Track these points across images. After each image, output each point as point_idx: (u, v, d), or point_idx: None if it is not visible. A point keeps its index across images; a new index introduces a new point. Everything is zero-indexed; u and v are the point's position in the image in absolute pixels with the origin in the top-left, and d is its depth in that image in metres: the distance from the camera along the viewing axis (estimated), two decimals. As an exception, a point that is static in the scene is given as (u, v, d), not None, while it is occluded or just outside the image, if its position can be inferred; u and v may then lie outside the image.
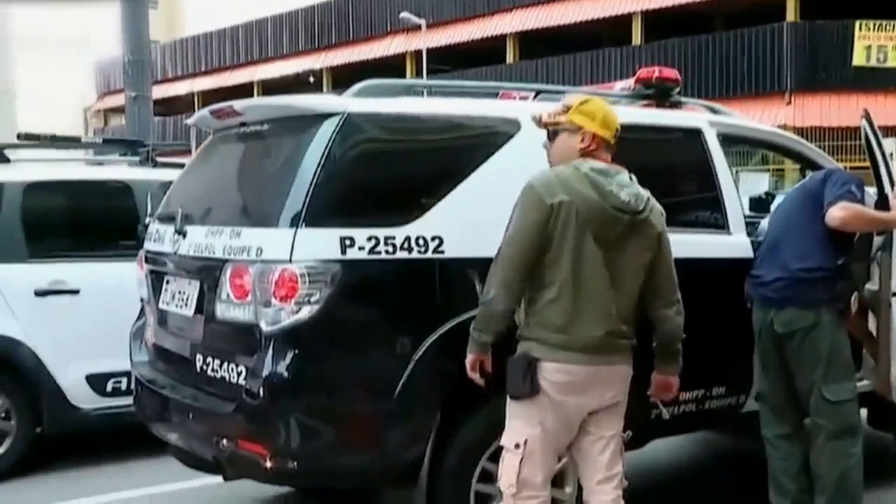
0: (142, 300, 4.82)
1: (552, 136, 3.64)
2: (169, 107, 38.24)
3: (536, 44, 30.24)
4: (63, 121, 39.78)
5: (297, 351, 3.64)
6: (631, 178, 3.50)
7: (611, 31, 29.16)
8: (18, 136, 7.32)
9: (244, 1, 40.27)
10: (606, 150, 3.55)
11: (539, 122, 3.68)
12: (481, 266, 3.87)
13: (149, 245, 4.65)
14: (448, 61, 31.53)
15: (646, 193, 3.50)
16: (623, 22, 28.21)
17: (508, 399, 3.52)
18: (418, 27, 31.07)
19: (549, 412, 3.45)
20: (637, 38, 28.17)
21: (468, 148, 4.11)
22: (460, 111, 4.18)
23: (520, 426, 3.49)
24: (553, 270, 3.42)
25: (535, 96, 4.65)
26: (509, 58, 31.61)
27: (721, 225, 4.72)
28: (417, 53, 31.37)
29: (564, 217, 3.37)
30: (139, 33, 11.83)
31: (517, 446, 3.47)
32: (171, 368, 4.41)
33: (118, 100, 30.15)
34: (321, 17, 36.34)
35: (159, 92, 33.04)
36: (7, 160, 6.54)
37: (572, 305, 3.41)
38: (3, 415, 5.84)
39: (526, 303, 3.51)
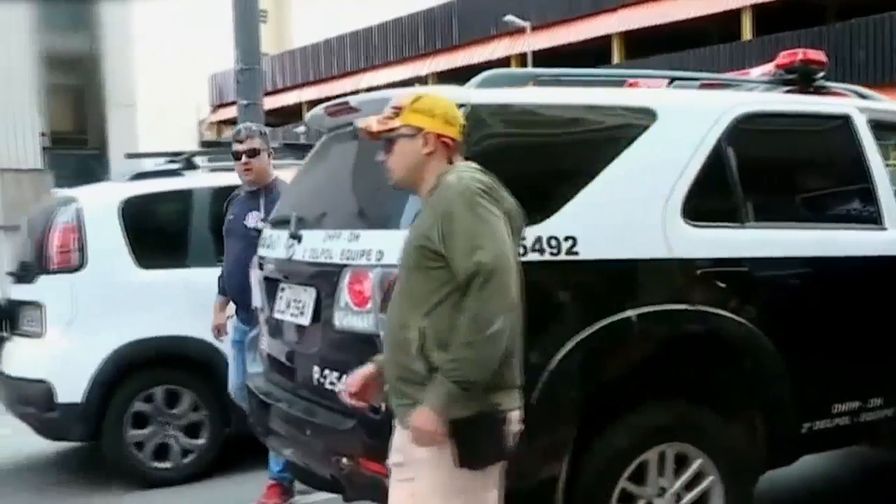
0: (256, 308, 4.62)
1: (387, 146, 3.00)
2: (278, 117, 38.76)
3: (642, 43, 29.53)
4: (179, 133, 40.85)
5: (422, 363, 3.36)
6: None
7: (718, 26, 28.26)
8: (202, 144, 7.34)
9: (350, 11, 40.60)
10: (459, 150, 3.01)
11: (371, 134, 3.02)
12: (620, 269, 3.57)
13: (262, 251, 4.45)
14: (553, 63, 31.08)
15: None
16: (731, 17, 27.30)
17: (454, 470, 2.74)
18: (523, 30, 30.72)
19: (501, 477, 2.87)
20: (746, 32, 27.24)
21: (601, 141, 3.79)
22: (592, 101, 3.85)
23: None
24: None
25: (670, 83, 4.28)
26: (615, 58, 30.97)
27: (875, 219, 4.27)
28: (522, 56, 31.02)
29: (509, 229, 2.86)
30: (250, 42, 11.87)
31: None
32: (286, 380, 4.19)
33: (231, 112, 30.75)
34: (425, 24, 36.31)
35: (269, 103, 33.42)
36: (195, 167, 6.64)
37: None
38: (197, 417, 5.99)
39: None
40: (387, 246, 3.43)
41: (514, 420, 2.80)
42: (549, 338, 3.48)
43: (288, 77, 41.15)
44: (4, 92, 17.58)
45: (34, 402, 5.89)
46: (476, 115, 3.54)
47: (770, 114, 4.16)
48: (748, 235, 3.89)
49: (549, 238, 3.49)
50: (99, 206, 6.11)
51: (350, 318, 3.56)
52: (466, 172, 2.84)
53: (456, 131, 2.96)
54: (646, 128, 3.79)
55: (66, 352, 5.85)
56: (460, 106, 3.52)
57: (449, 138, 2.94)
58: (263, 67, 11.85)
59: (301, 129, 32.85)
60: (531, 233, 3.46)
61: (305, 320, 3.91)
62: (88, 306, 5.83)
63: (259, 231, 4.67)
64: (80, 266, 5.91)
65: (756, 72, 4.76)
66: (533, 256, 3.45)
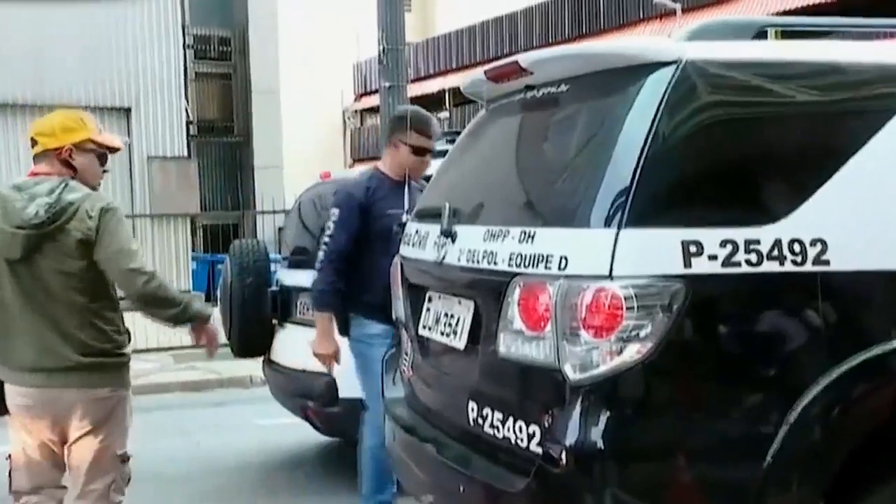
0: (397, 320, 3.82)
1: None
2: (422, 104, 38.38)
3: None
4: (324, 122, 41.02)
5: (618, 410, 2.51)
6: (66, 185, 3.40)
7: (873, 3, 25.98)
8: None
9: (495, -3, 39.90)
10: (46, 159, 3.52)
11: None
12: (886, 284, 2.63)
13: (405, 250, 3.64)
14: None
15: (73, 199, 3.37)
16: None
17: None
18: (673, 12, 29.26)
19: (21, 431, 3.56)
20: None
21: (858, 111, 2.83)
22: (844, 58, 2.86)
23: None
24: None
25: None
26: (771, 38, 29.12)
27: None
28: (675, 40, 29.56)
29: None
30: (394, 23, 11.32)
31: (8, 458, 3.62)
32: (434, 414, 3.37)
33: (374, 100, 30.46)
34: (571, 8, 35.21)
35: (413, 90, 33.07)
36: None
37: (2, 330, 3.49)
38: None
39: None
40: (573, 250, 2.56)
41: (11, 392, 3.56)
42: (790, 378, 2.58)
43: (431, 64, 40.71)
44: (153, 81, 17.54)
45: (315, 397, 5.49)
46: (691, 76, 2.64)
47: None
48: None
49: (791, 242, 2.56)
50: None
51: (520, 344, 2.70)
52: None
53: (48, 141, 3.55)
54: None
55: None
56: (669, 63, 2.64)
57: (46, 149, 3.57)
58: (407, 54, 11.42)
59: (444, 115, 32.34)
60: (766, 234, 2.54)
61: (460, 342, 3.08)
62: None
63: (402, 225, 3.87)
64: None
65: None
66: (769, 266, 2.54)
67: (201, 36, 23.24)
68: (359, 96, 42.88)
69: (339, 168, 32.76)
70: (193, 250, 20.10)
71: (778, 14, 27.60)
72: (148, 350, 11.50)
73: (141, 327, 11.59)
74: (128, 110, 17.19)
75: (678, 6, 28.90)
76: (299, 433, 6.41)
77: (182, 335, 11.42)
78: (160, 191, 18.01)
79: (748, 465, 2.52)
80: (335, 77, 41.21)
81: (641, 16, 32.18)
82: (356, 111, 44.01)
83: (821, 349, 2.59)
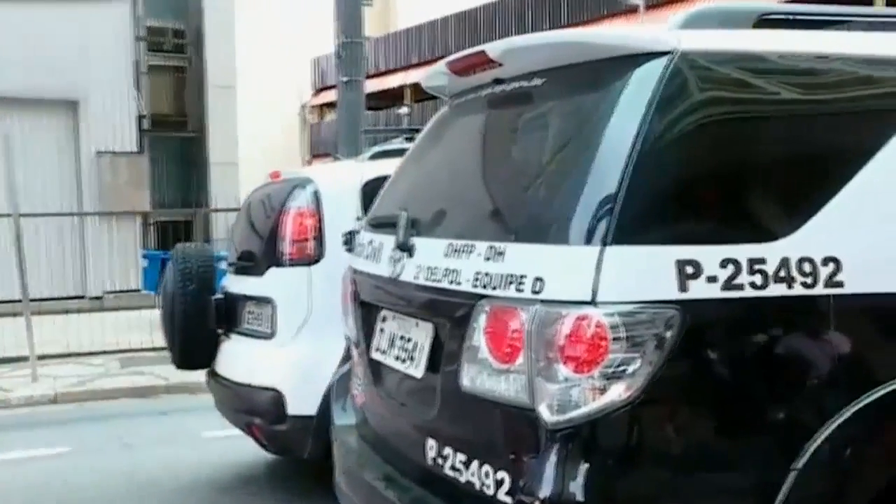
0: (347, 339, 3.43)
1: None
2: (381, 100, 38.04)
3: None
4: (282, 117, 40.47)
5: (604, 458, 2.15)
6: None
7: None
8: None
9: (457, -8, 39.63)
10: None
11: None
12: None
13: (357, 263, 3.25)
14: (669, 48, 29.36)
15: None
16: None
17: None
18: (635, 9, 29.12)
19: None
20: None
21: (872, 112, 2.49)
22: (857, 51, 2.53)
23: None
24: None
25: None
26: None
27: None
28: (637, 37, 29.46)
29: None
30: (352, 15, 10.98)
31: None
32: (387, 447, 2.99)
33: (333, 95, 30.11)
34: (534, 3, 35.00)
35: (372, 86, 32.61)
36: None
37: None
38: None
39: None
40: (550, 270, 2.20)
41: None
42: (799, 418, 2.24)
43: (391, 59, 40.33)
44: (102, 74, 17.01)
45: (261, 413, 5.10)
46: (687, 69, 2.30)
47: None
48: None
49: (801, 261, 2.22)
50: (339, 188, 5.20)
51: (486, 377, 2.33)
52: None
53: None
54: None
55: (300, 357, 4.99)
56: (661, 54, 2.29)
57: None
58: (366, 50, 11.08)
59: (404, 110, 31.95)
60: (772, 252, 2.20)
61: (417, 370, 2.70)
62: (326, 305, 4.77)
63: (352, 233, 3.48)
64: (318, 258, 5.02)
65: None
66: (776, 290, 2.19)
67: (155, 28, 22.59)
68: (317, 91, 42.36)
69: (295, 164, 32.26)
70: (145, 248, 19.58)
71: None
72: (93, 353, 11.08)
73: (86, 329, 11.14)
74: (75, 103, 16.62)
75: (641, 2, 28.77)
76: (248, 447, 5.98)
77: (130, 336, 11.02)
78: (110, 187, 17.51)
79: None
80: (293, 72, 40.76)
81: (604, 12, 32.02)
82: (314, 106, 43.49)
83: (833, 384, 2.25)
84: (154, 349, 10.44)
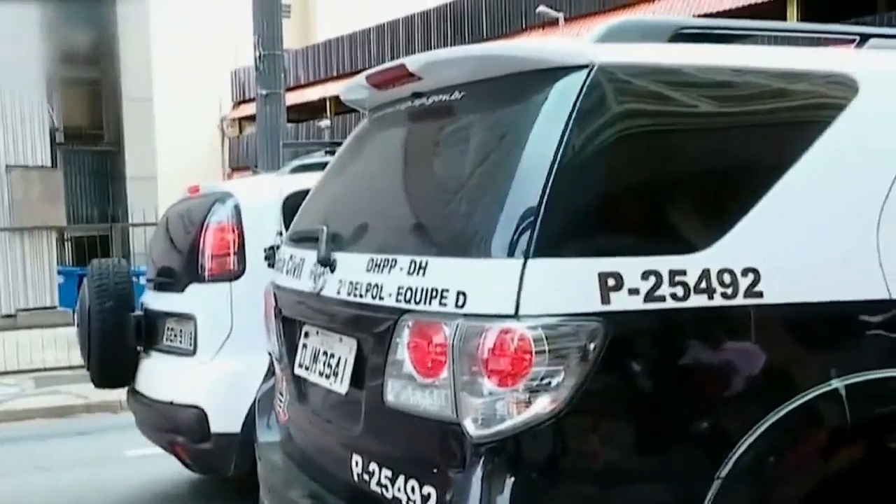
0: (270, 355, 3.38)
1: None
2: (302, 112, 37.83)
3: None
4: (202, 130, 39.94)
5: (528, 472, 2.15)
6: None
7: (760, 17, 26.71)
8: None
9: (375, 5, 39.64)
10: None
11: None
12: (819, 318, 2.35)
13: (279, 278, 3.21)
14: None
15: None
16: (775, 7, 25.77)
17: None
18: (555, 22, 29.50)
19: None
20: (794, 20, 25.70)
21: (787, 125, 2.54)
22: (771, 64, 2.57)
23: None
24: None
25: (861, 43, 2.98)
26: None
27: None
28: (556, 49, 29.78)
29: None
30: (271, 28, 10.88)
31: None
32: (313, 464, 2.95)
33: (253, 108, 29.90)
34: (454, 16, 35.20)
35: (292, 98, 32.38)
36: None
37: None
38: None
39: None
40: (472, 284, 2.19)
41: None
42: (722, 427, 2.27)
43: (311, 72, 40.15)
44: (12, 85, 16.59)
45: (184, 431, 5.02)
46: (604, 83, 2.31)
47: None
48: None
49: (721, 272, 2.25)
50: (259, 203, 5.12)
51: (410, 392, 2.32)
52: None
53: None
54: (844, 105, 2.53)
55: (223, 373, 4.93)
56: (579, 68, 2.31)
57: None
58: (286, 63, 11.00)
59: (325, 123, 31.77)
60: (693, 264, 2.23)
61: (341, 386, 2.68)
62: (248, 321, 4.71)
63: (273, 248, 3.44)
64: (240, 274, 4.95)
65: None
66: (697, 300, 2.21)
67: (67, 39, 22.13)
68: (237, 104, 41.97)
69: (216, 177, 31.88)
70: (61, 264, 19.15)
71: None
72: (6, 373, 10.78)
73: (-1, 347, 10.79)
74: (-18, 116, 16.17)
75: (561, 15, 29.13)
76: (172, 466, 5.87)
77: (45, 355, 10.77)
78: (21, 202, 17.09)
79: None
80: (213, 84, 40.32)
81: (524, 25, 32.37)
82: (234, 119, 43.07)
83: (755, 394, 2.28)
84: (71, 367, 10.20)
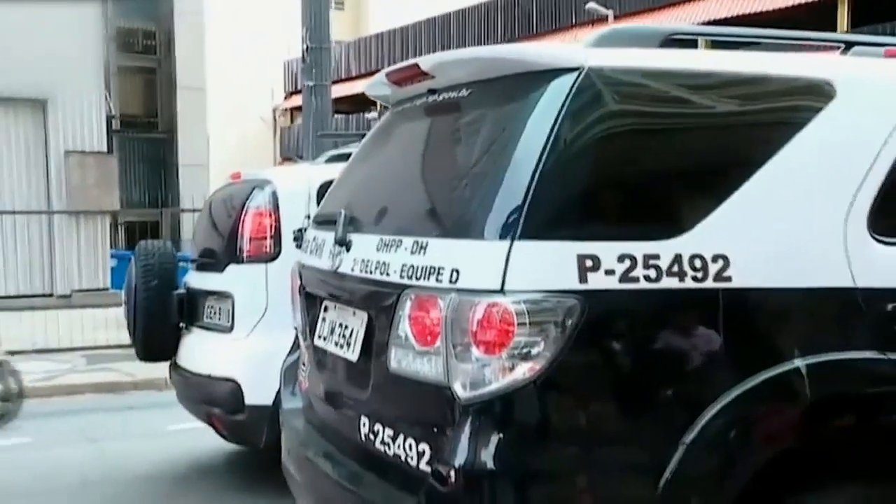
0: (295, 329, 3.68)
1: None
2: (351, 105, 38.22)
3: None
4: (254, 119, 40.50)
5: (509, 430, 2.41)
6: None
7: (812, 17, 26.59)
8: None
9: (428, -2, 39.83)
10: None
11: None
12: (785, 302, 2.58)
13: (303, 258, 3.50)
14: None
15: None
16: (826, 6, 25.64)
17: None
18: (605, 18, 29.50)
19: None
20: (843, 23, 25.55)
21: (761, 125, 2.76)
22: (750, 69, 2.79)
23: None
24: None
25: (845, 50, 3.19)
26: (701, 48, 29.49)
27: None
28: (606, 46, 29.79)
29: None
30: (318, 21, 11.16)
31: None
32: (329, 428, 3.24)
33: (302, 98, 30.26)
34: (504, 11, 35.32)
35: (343, 90, 32.77)
36: None
37: None
38: None
39: None
40: (465, 263, 2.45)
41: None
42: (688, 397, 2.50)
43: (362, 64, 40.49)
44: (72, 74, 17.09)
45: (220, 403, 5.34)
46: (593, 84, 2.56)
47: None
48: None
49: (693, 258, 2.48)
50: (295, 189, 5.41)
51: (410, 359, 2.59)
52: None
53: None
54: (820, 108, 2.74)
55: (257, 349, 5.22)
56: (571, 70, 2.56)
57: None
58: (337, 54, 11.28)
59: (372, 115, 32.11)
60: (666, 249, 2.47)
61: (353, 355, 2.96)
62: (282, 300, 4.90)
63: (301, 230, 3.73)
64: (275, 256, 5.27)
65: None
66: (669, 283, 2.45)
67: (125, 29, 22.71)
68: (289, 94, 42.44)
69: (267, 166, 32.33)
70: (114, 247, 19.67)
71: (706, 24, 28.01)
72: (60, 350, 11.21)
73: (53, 326, 11.26)
74: (43, 102, 16.68)
75: (610, 12, 29.14)
76: (210, 439, 6.22)
77: (96, 334, 11.10)
78: (78, 187, 17.58)
79: (643, 488, 2.44)
80: (266, 74, 40.77)
81: (574, 21, 32.40)
82: (286, 109, 43.56)
83: (720, 368, 2.51)
84: (122, 346, 10.55)
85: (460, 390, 2.42)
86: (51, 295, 17.01)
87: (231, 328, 5.35)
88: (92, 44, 17.73)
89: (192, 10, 23.69)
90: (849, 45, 3.17)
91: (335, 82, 14.68)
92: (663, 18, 29.67)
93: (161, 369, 7.58)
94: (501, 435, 2.39)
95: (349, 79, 39.53)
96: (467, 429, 2.42)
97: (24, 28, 15.88)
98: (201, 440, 6.54)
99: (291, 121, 43.90)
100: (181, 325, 5.87)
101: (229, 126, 34.58)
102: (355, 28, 46.51)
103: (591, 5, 29.34)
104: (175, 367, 5.95)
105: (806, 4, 25.85)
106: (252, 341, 5.23)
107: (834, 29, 25.19)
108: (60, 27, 16.57)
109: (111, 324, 11.61)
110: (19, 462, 6.55)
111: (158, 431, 7.38)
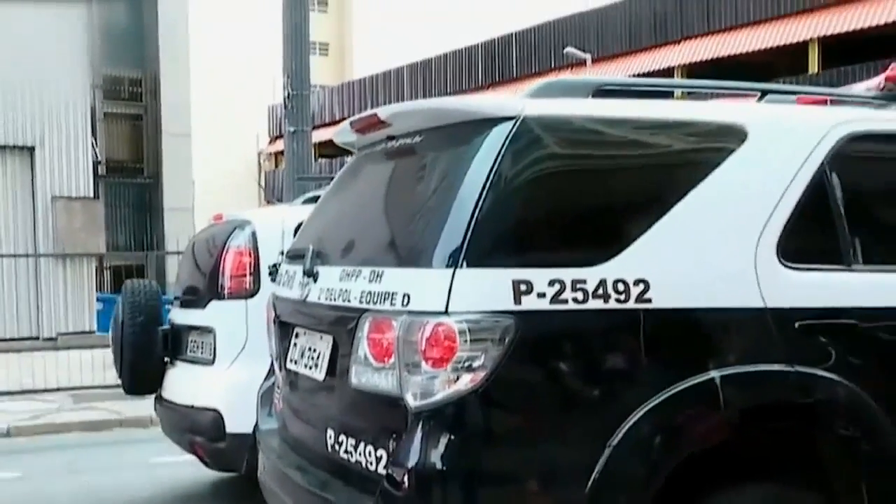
0: (271, 356, 4.00)
1: None
2: (337, 149, 38.60)
3: (705, 76, 28.61)
4: (239, 164, 40.83)
5: (454, 434, 2.73)
6: None
7: (785, 59, 27.30)
8: None
9: (411, 44, 40.43)
10: None
11: None
12: (701, 321, 2.93)
13: (277, 290, 3.84)
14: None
15: None
16: (798, 50, 26.34)
17: None
18: (583, 62, 30.12)
19: None
20: (814, 65, 26.26)
21: (680, 164, 3.13)
22: (669, 116, 3.18)
23: None
24: None
25: (761, 97, 3.58)
26: (678, 91, 30.08)
27: None
28: (583, 90, 30.33)
29: None
30: (299, 68, 11.55)
31: None
32: (300, 443, 3.56)
33: (287, 142, 30.64)
34: (486, 56, 35.93)
35: (327, 134, 33.07)
36: None
37: None
38: None
39: None
40: (415, 288, 2.80)
41: None
42: (612, 405, 2.83)
43: (346, 109, 40.98)
44: (59, 120, 17.43)
45: (202, 432, 5.59)
46: (529, 131, 2.92)
47: (885, 135, 3.43)
48: (857, 280, 3.18)
49: (616, 282, 2.83)
50: (274, 229, 5.64)
51: (369, 374, 2.93)
52: None
53: None
54: (733, 149, 3.11)
55: (238, 380, 5.45)
56: (509, 118, 2.92)
57: None
58: (322, 98, 11.66)
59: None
60: (592, 275, 2.81)
61: (320, 374, 3.29)
62: (261, 333, 5.15)
63: (276, 265, 4.07)
64: (254, 292, 5.55)
65: (860, 87, 4.03)
66: (594, 304, 2.80)
67: (111, 76, 23.12)
68: (273, 139, 42.93)
69: (245, 208, 32.64)
70: (101, 290, 19.86)
71: (683, 66, 28.62)
72: (47, 390, 11.42)
73: (40, 367, 11.43)
74: (31, 149, 16.97)
75: (588, 56, 29.75)
76: (193, 470, 6.49)
77: (83, 375, 11.25)
78: (65, 231, 17.80)
79: (573, 489, 2.75)
80: (251, 119, 41.20)
81: (553, 65, 32.99)
82: (270, 153, 44.03)
83: (643, 379, 2.85)
84: (107, 386, 10.77)
85: (411, 400, 2.75)
86: (37, 338, 17.21)
87: (213, 361, 5.62)
88: (79, 91, 18.06)
89: (178, 57, 24.09)
90: (764, 93, 3.56)
91: (319, 126, 15.07)
92: (640, 62, 30.33)
93: (146, 407, 7.85)
94: (448, 438, 2.71)
95: (333, 122, 39.98)
96: (418, 434, 2.74)
97: (12, 76, 16.23)
98: (186, 471, 6.78)
99: (276, 164, 44.32)
100: (166, 359, 6.15)
101: (215, 170, 34.96)
102: (339, 73, 47.08)
103: (569, 49, 29.96)
104: (160, 399, 6.22)
105: (779, 48, 26.55)
106: (233, 373, 5.50)
107: (805, 70, 25.92)
108: (48, 76, 16.92)
109: (97, 365, 11.81)
110: (8, 494, 6.76)
111: (142, 464, 7.59)
